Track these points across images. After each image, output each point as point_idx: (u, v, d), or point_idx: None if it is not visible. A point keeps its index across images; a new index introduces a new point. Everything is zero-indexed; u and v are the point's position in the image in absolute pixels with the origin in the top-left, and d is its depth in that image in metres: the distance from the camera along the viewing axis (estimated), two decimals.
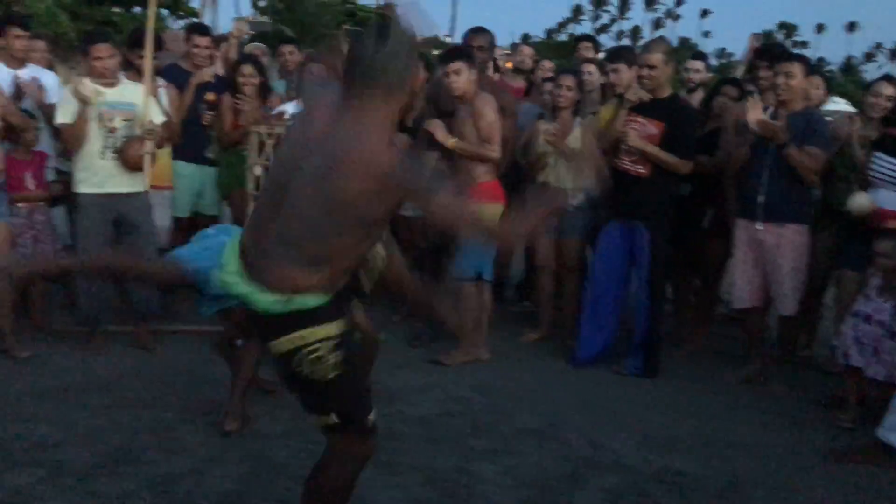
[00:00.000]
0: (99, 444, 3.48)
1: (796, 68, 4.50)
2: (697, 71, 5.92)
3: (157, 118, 4.70)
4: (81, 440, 3.51)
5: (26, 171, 4.75)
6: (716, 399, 4.52)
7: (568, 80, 5.11)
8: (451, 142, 4.69)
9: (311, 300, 2.27)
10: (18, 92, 4.86)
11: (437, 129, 4.70)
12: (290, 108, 5.12)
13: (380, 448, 3.48)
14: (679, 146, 4.62)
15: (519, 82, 6.16)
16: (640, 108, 4.67)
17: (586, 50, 6.36)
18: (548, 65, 5.95)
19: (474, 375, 4.64)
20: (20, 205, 4.71)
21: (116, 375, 4.35)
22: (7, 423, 3.65)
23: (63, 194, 4.91)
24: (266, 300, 2.28)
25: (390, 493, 3.19)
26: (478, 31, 5.47)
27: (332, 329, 2.30)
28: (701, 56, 6.42)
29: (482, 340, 4.91)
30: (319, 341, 2.28)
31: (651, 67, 4.66)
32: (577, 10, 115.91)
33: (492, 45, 5.41)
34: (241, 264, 2.34)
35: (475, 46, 5.20)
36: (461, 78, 4.63)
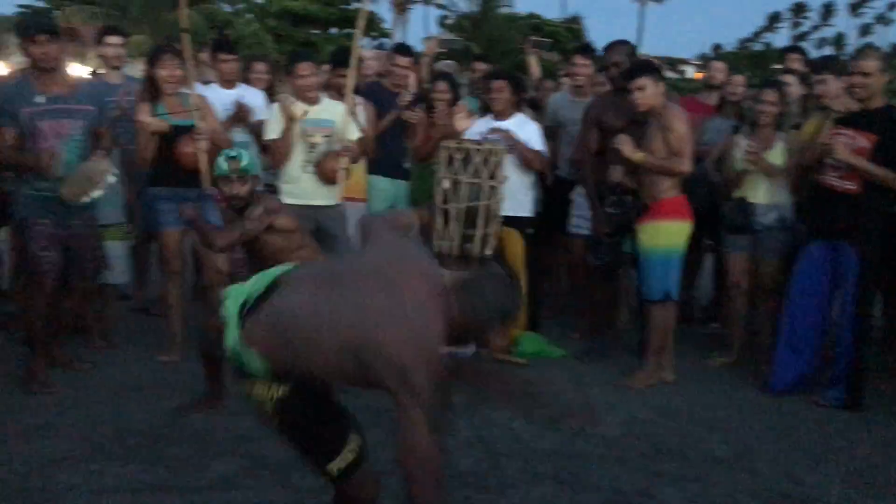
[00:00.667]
0: None
1: None
2: None
3: (354, 135, 4.94)
4: (275, 437, 3.72)
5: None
6: None
7: (770, 95, 4.88)
8: (638, 156, 4.60)
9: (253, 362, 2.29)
10: (238, 113, 5.26)
11: (625, 143, 4.64)
12: (482, 124, 5.22)
13: (563, 465, 3.52)
14: (894, 160, 4.27)
15: (710, 98, 5.92)
16: (850, 120, 4.36)
17: (793, 62, 6.03)
18: (739, 79, 5.68)
19: (659, 398, 4.50)
20: None
21: None
22: (212, 416, 3.94)
23: None
24: (231, 339, 2.32)
25: None
26: (616, 44, 5.28)
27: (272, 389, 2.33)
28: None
29: (668, 362, 4.77)
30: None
31: (864, 75, 4.32)
32: (774, 18, 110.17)
33: (632, 56, 5.19)
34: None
35: (612, 63, 5.09)
36: (646, 93, 4.56)
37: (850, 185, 4.35)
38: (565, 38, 29.88)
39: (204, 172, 4.61)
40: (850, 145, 4.32)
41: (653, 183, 4.63)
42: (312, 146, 4.87)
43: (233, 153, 4.01)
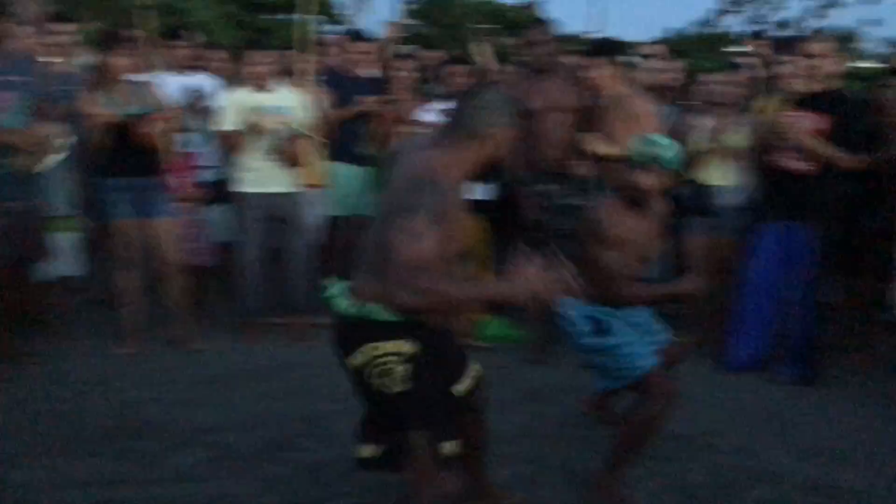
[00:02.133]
0: (257, 430, 3.68)
1: None
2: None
3: (312, 121, 4.91)
4: (241, 426, 3.72)
5: (180, 173, 5.08)
6: (880, 410, 4.23)
7: (731, 77, 4.92)
8: (614, 152, 4.58)
9: (382, 312, 2.36)
10: (193, 101, 5.20)
11: (597, 143, 4.60)
12: (438, 106, 5.21)
13: (521, 445, 3.55)
14: (848, 141, 4.35)
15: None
16: (806, 103, 4.44)
17: (757, 45, 6.09)
18: (678, 65, 5.71)
19: None
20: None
21: (273, 365, 4.59)
22: (173, 408, 3.93)
23: (222, 194, 5.22)
24: (343, 303, 2.42)
25: (534, 488, 3.19)
26: (536, 24, 5.10)
27: (402, 346, 2.38)
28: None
29: None
30: (388, 354, 2.38)
31: (817, 58, 4.41)
32: (735, 3, 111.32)
33: (555, 36, 4.93)
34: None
35: (533, 43, 4.80)
36: (605, 75, 4.55)
37: (806, 167, 4.43)
38: (526, 23, 29.79)
39: (162, 153, 4.56)
40: (805, 127, 4.40)
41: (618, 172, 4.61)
42: (269, 134, 4.82)
43: (654, 138, 3.24)
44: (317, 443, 3.56)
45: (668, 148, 3.15)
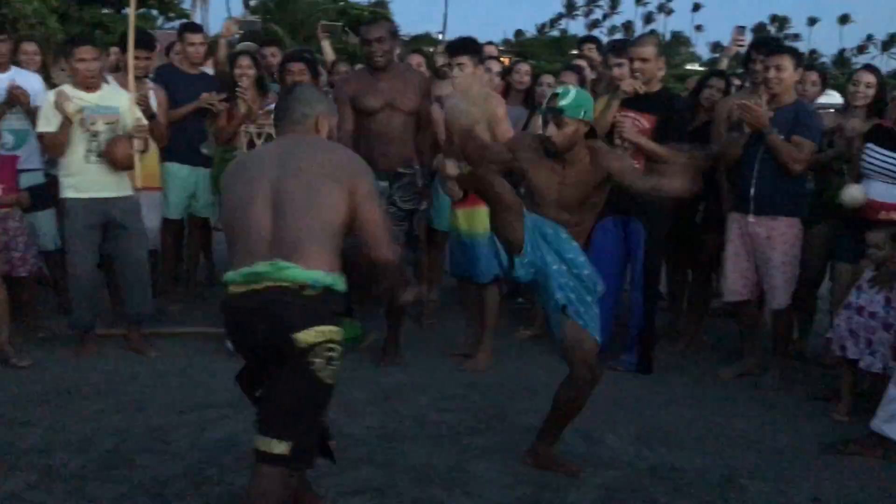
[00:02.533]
0: (92, 448, 3.47)
1: (787, 61, 4.47)
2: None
3: (142, 121, 4.65)
4: (74, 445, 3.49)
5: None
6: (712, 393, 4.51)
7: (569, 77, 5.09)
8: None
9: (340, 281, 2.47)
10: (10, 98, 4.82)
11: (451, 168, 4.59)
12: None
13: (376, 447, 3.53)
14: (672, 139, 4.61)
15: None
16: (632, 103, 4.66)
17: (590, 51, 6.34)
18: (525, 68, 5.88)
19: (469, 373, 4.62)
20: None
21: (110, 379, 4.34)
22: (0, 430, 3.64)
23: (50, 198, 4.89)
24: (296, 272, 2.40)
25: (384, 492, 3.17)
26: (375, 21, 5.21)
27: (338, 333, 2.42)
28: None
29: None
30: (336, 342, 2.41)
31: (643, 61, 4.64)
32: (570, 6, 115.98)
33: (394, 35, 4.83)
34: None
35: (374, 39, 4.59)
36: (466, 73, 4.54)
37: (635, 164, 4.65)
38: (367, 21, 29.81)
39: None
40: (633, 126, 4.62)
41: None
42: (95, 135, 4.54)
43: (558, 90, 3.40)
44: (157, 459, 3.39)
45: (565, 97, 3.30)
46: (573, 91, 3.38)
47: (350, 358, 4.75)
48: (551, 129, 3.30)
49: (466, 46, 4.70)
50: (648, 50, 4.67)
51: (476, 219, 4.61)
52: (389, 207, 4.52)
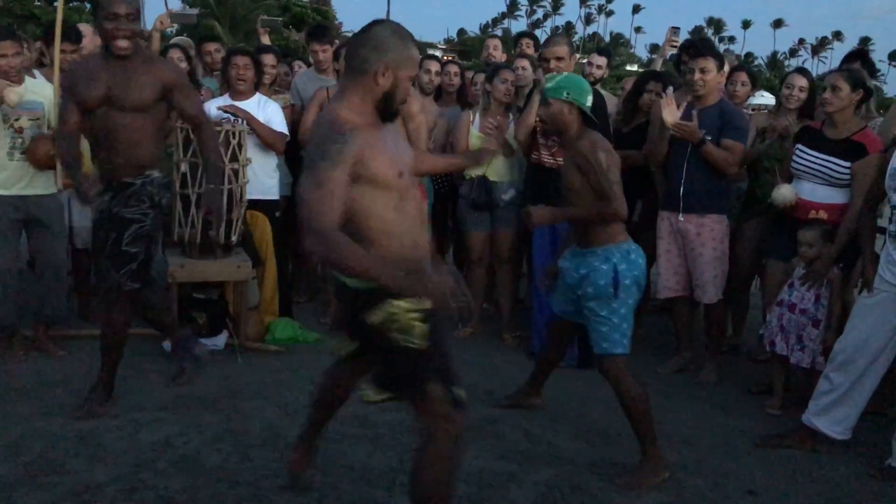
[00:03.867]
0: (20, 454, 3.35)
1: (711, 63, 4.59)
2: (599, 67, 6.18)
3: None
4: (1, 451, 3.37)
5: None
6: (649, 389, 4.56)
7: (507, 75, 5.11)
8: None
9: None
10: None
11: None
12: (218, 102, 5.00)
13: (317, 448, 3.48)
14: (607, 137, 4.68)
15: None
16: None
17: (527, 47, 6.39)
18: (454, 69, 5.90)
19: None
20: None
21: (39, 383, 4.20)
22: None
23: None
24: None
25: (324, 492, 3.14)
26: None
27: (421, 303, 2.40)
28: (606, 52, 6.63)
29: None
30: (409, 311, 2.41)
31: (559, 59, 4.75)
32: (513, 6, 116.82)
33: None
34: None
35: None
36: None
37: (559, 161, 4.70)
38: (313, 19, 29.55)
39: None
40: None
41: None
42: (18, 131, 4.38)
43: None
44: (87, 463, 3.30)
45: (550, 80, 3.63)
46: (559, 76, 3.66)
47: (289, 358, 4.73)
48: (541, 109, 3.62)
49: (324, 33, 4.68)
50: (563, 49, 4.84)
51: None
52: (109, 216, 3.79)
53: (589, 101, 3.55)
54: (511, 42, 7.21)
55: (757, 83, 6.16)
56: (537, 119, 4.61)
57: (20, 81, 4.39)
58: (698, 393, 4.55)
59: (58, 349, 4.65)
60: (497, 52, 6.45)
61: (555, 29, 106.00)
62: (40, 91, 4.47)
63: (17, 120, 4.36)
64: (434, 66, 5.63)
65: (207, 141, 4.03)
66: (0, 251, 4.38)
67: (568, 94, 3.48)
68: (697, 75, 4.57)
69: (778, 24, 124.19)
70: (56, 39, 4.40)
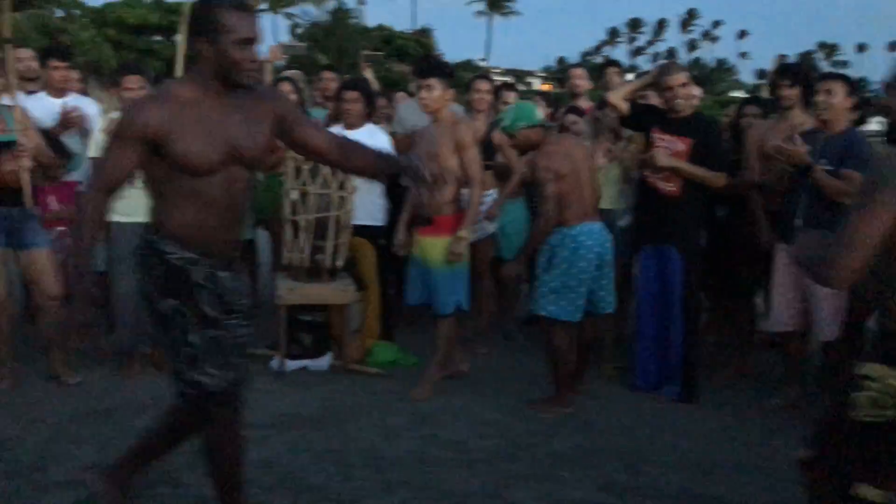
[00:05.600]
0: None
1: (837, 86, 4.37)
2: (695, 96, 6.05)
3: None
4: None
5: (50, 196, 4.90)
6: (756, 424, 4.43)
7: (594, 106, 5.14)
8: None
9: None
10: (64, 121, 4.98)
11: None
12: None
13: (414, 472, 3.53)
14: (710, 160, 4.61)
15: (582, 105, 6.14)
16: (666, 127, 4.69)
17: (613, 75, 6.37)
18: (485, 86, 5.87)
19: (506, 398, 4.61)
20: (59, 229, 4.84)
21: (155, 398, 4.40)
22: (50, 445, 3.72)
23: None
24: None
25: None
26: None
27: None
28: (699, 81, 6.52)
29: (460, 356, 4.97)
30: None
31: (684, 85, 4.68)
32: (613, 33, 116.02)
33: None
34: None
35: None
36: (434, 94, 4.50)
37: (671, 187, 4.64)
38: (416, 50, 30.20)
39: (26, 190, 4.32)
40: (669, 149, 4.63)
41: (434, 196, 4.39)
42: None
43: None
44: (201, 477, 3.43)
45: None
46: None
47: (389, 381, 4.82)
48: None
49: (434, 68, 4.62)
50: (684, 74, 4.74)
51: (434, 249, 4.56)
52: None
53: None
54: (597, 71, 7.16)
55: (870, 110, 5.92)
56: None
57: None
58: (807, 430, 4.36)
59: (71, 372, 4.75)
60: (581, 81, 6.43)
61: (656, 55, 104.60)
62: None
63: None
64: (485, 86, 5.70)
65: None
66: (123, 277, 4.63)
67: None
68: (822, 97, 4.38)
69: (894, 46, 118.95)
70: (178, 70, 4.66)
